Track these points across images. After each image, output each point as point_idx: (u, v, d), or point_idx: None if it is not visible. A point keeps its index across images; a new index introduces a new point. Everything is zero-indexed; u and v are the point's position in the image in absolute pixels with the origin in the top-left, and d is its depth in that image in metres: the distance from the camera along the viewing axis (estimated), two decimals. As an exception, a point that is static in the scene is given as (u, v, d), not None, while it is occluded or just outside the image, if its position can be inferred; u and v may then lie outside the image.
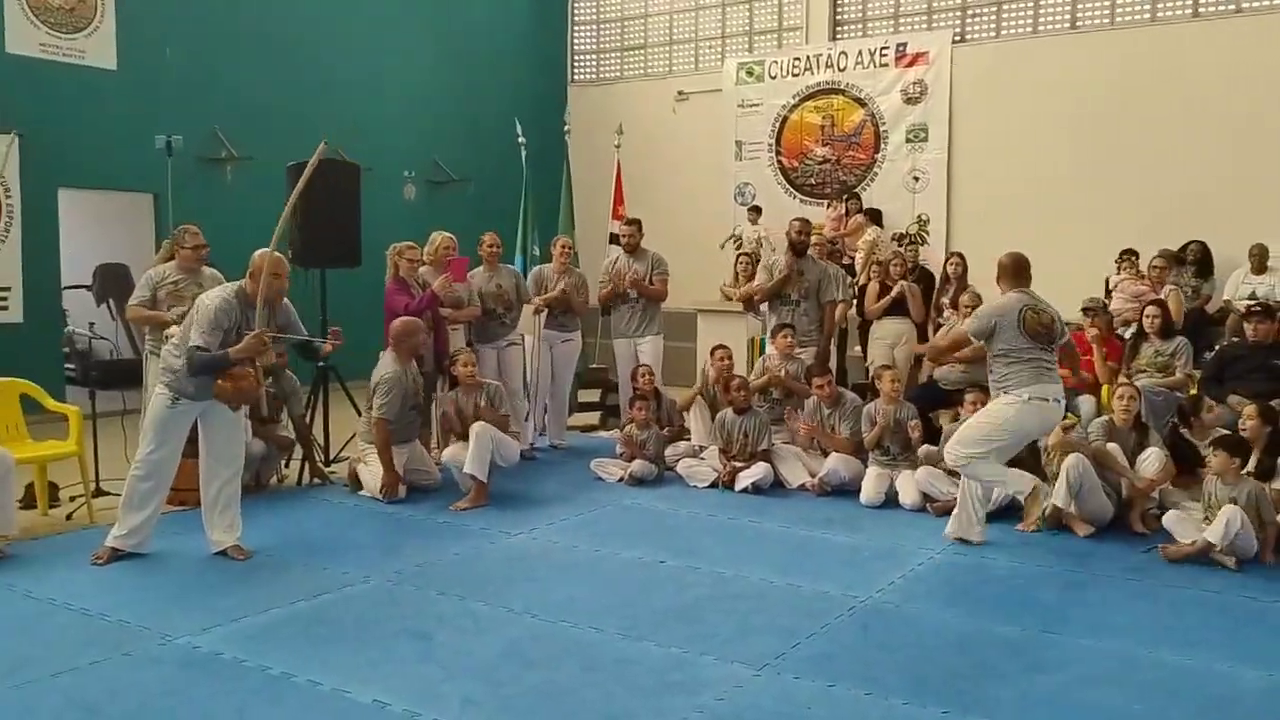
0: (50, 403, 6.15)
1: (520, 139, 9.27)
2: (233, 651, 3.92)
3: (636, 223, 7.86)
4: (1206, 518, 5.19)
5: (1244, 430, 5.55)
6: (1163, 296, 7.67)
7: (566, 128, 10.01)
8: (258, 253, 4.92)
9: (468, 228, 7.97)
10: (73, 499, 6.03)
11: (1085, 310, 7.29)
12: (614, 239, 9.32)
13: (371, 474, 6.34)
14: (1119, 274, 8.58)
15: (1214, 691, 3.64)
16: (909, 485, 6.16)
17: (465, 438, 6.25)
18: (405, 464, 6.45)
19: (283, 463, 6.79)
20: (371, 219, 7.55)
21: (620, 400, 8.05)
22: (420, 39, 11.77)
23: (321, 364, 7.04)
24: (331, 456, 7.17)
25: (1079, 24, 10.45)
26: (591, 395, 8.95)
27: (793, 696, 3.60)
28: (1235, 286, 8.83)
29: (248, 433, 5.96)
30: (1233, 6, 9.68)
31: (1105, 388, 6.88)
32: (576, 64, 13.65)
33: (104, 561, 4.95)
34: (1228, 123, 9.45)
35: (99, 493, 6.12)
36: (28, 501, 5.95)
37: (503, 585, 4.76)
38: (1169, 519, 5.30)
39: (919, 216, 11.09)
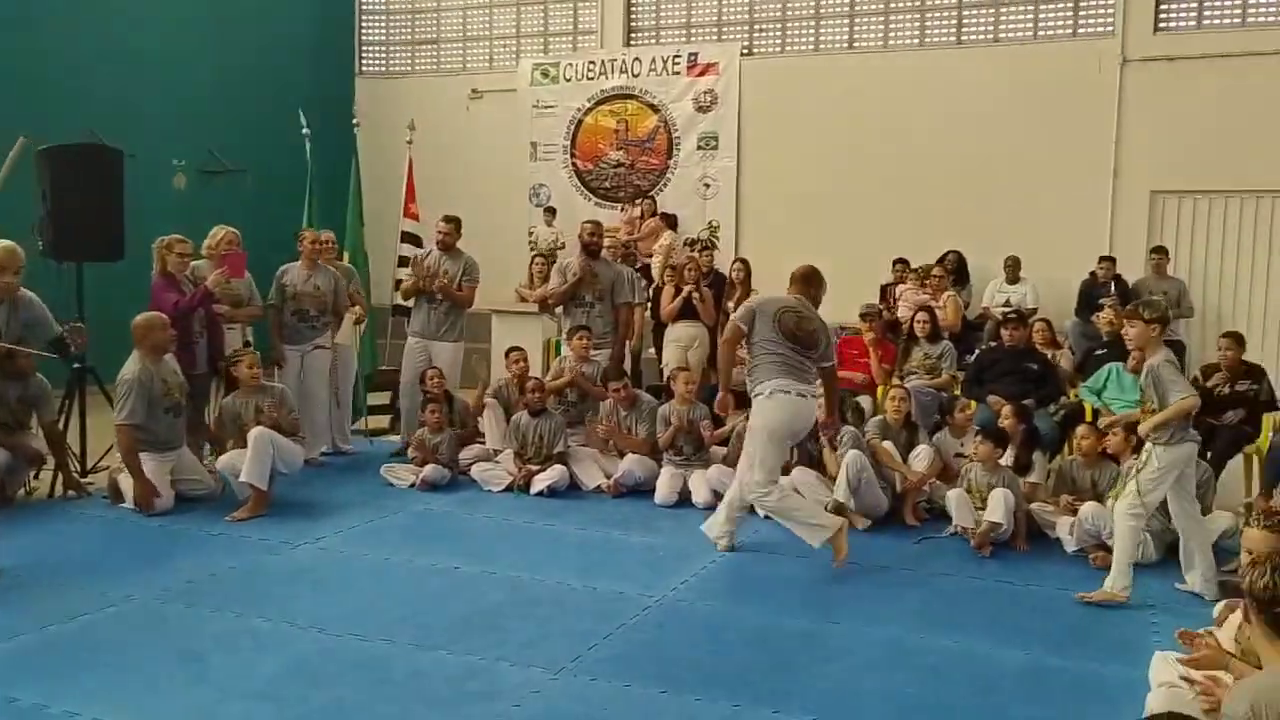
0: None
1: (304, 130, 8.83)
2: (-29, 685, 3.52)
3: (456, 221, 7.63)
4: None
5: (1003, 426, 6.02)
6: (942, 303, 8.21)
7: (355, 121, 9.64)
8: None
9: (247, 221, 7.50)
10: None
11: (863, 315, 7.69)
12: (406, 237, 9.06)
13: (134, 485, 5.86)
14: (904, 284, 9.11)
15: (980, 672, 3.90)
16: (701, 484, 6.29)
17: (244, 444, 5.89)
18: (173, 473, 6.01)
19: (31, 474, 6.18)
20: (137, 210, 6.99)
21: (401, 402, 7.79)
22: (187, 17, 10.98)
23: (77, 365, 6.47)
24: (89, 466, 6.59)
25: (856, 45, 11.04)
26: (381, 398, 8.64)
27: (589, 698, 3.59)
28: (992, 295, 9.58)
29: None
30: (991, 36, 10.51)
31: (880, 388, 7.29)
32: (365, 55, 13.19)
33: None
34: (986, 142, 10.23)
35: None
36: None
37: (285, 599, 4.51)
38: (951, 497, 5.66)
39: (710, 222, 11.40)
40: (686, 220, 11.27)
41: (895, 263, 9.47)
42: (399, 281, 8.16)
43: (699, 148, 11.48)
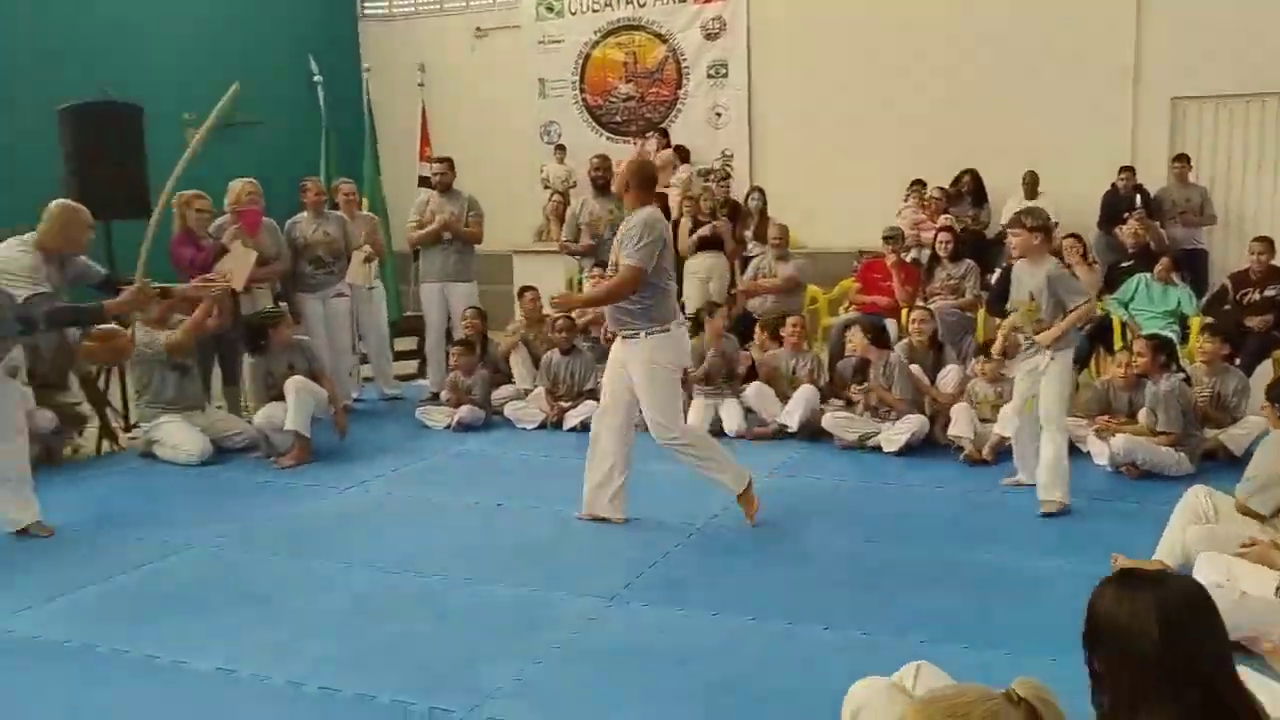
0: None
1: (316, 77, 8.78)
2: (51, 633, 3.65)
3: (449, 161, 7.62)
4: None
5: None
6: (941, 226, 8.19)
7: (366, 66, 9.56)
8: (55, 204, 4.65)
9: (263, 172, 7.49)
10: None
11: (886, 238, 7.68)
12: (423, 181, 9.05)
13: (171, 446, 5.96)
14: (906, 203, 9.07)
15: (1024, 583, 3.99)
16: (733, 412, 6.37)
17: (278, 398, 5.98)
18: (207, 431, 6.08)
19: (76, 433, 6.30)
20: (153, 165, 6.99)
21: (428, 350, 7.83)
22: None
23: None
24: (131, 421, 6.69)
25: (868, -38, 10.81)
26: (409, 343, 8.71)
27: (645, 624, 3.69)
28: (1011, 212, 9.50)
29: (30, 401, 5.50)
30: (1003, -53, 10.28)
31: (905, 311, 7.31)
32: (367, -2, 13.00)
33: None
34: (1001, 55, 10.04)
35: None
36: None
37: (339, 541, 4.63)
38: (955, 411, 5.80)
39: (723, 151, 11.31)
40: (698, 151, 11.16)
41: (911, 184, 9.41)
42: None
43: (709, 77, 11.34)
